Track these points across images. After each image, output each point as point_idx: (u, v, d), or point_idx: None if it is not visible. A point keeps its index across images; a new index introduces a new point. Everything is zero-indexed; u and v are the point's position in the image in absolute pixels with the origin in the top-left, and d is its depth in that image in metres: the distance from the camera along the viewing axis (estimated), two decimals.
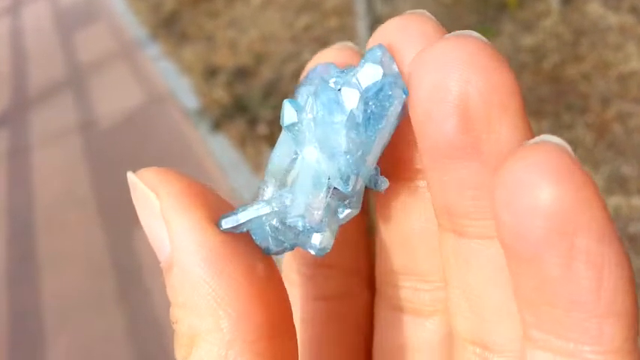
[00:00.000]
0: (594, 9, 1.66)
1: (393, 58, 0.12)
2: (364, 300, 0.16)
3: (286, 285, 0.13)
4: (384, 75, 0.12)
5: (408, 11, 0.13)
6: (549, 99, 1.42)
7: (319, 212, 0.12)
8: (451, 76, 0.11)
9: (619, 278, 0.10)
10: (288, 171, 0.13)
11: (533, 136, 0.11)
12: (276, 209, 0.13)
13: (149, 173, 0.13)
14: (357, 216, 0.13)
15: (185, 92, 1.98)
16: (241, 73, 1.96)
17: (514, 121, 0.11)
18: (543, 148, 0.10)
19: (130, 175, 0.13)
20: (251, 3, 2.41)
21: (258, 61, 1.99)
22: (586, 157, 1.24)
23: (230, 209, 0.13)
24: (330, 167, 0.12)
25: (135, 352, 1.15)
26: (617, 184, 1.16)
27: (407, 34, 0.13)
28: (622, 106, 1.34)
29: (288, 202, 0.12)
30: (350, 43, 0.15)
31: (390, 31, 0.13)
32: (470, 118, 0.11)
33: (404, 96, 0.12)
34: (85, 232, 1.46)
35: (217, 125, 1.75)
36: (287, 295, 0.13)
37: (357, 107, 0.12)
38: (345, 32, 1.95)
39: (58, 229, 1.50)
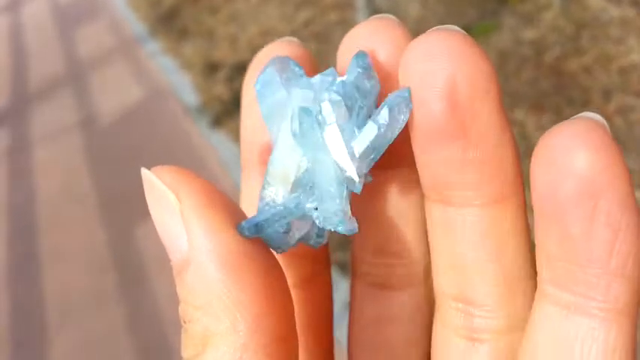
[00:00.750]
0: (595, 2, 1.65)
1: (372, 65, 0.13)
2: (326, 282, 0.17)
3: None
4: (396, 96, 0.13)
5: (376, 16, 0.14)
6: (550, 93, 1.41)
7: (349, 215, 0.13)
8: (440, 65, 0.12)
9: (632, 244, 0.11)
10: (296, 174, 0.13)
11: (507, 116, 0.13)
12: (295, 212, 0.13)
13: (167, 172, 0.13)
14: None
15: (185, 88, 1.98)
16: (241, 69, 1.95)
17: (493, 103, 0.12)
18: (584, 121, 0.11)
19: (145, 172, 0.13)
20: None
21: None
22: None
23: (241, 212, 0.13)
24: (347, 171, 0.13)
25: (136, 348, 1.15)
26: None
27: (377, 39, 0.14)
28: (623, 99, 1.33)
29: (310, 206, 0.13)
30: (295, 39, 0.16)
31: (361, 36, 0.14)
32: (457, 102, 0.12)
33: (410, 109, 0.13)
34: (86, 229, 1.46)
35: (217, 121, 1.75)
36: (291, 297, 0.13)
37: (368, 124, 0.13)
38: (345, 26, 1.94)
39: (59, 225, 1.51)
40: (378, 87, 0.13)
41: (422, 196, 0.15)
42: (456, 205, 0.13)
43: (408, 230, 0.15)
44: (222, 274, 0.12)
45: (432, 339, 0.15)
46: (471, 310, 0.14)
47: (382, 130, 0.13)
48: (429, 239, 0.14)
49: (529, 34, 1.63)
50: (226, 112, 1.75)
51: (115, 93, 2.07)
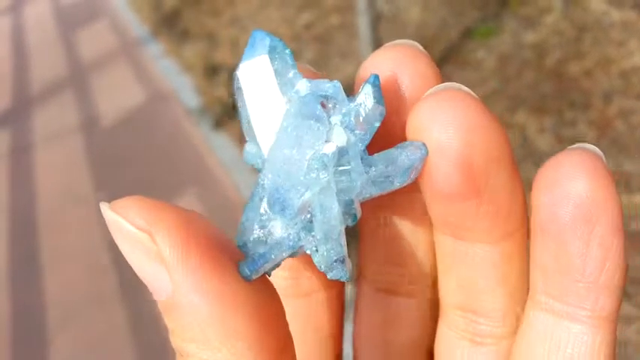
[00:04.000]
0: (597, 5, 1.65)
1: (381, 91, 0.13)
2: (340, 291, 0.17)
3: None
4: (415, 155, 0.13)
5: (399, 41, 0.14)
6: (552, 96, 1.41)
7: (348, 261, 0.13)
8: (456, 138, 0.13)
9: (619, 261, 0.12)
10: (297, 207, 0.13)
11: (519, 172, 0.14)
12: (294, 248, 0.13)
13: (134, 209, 0.12)
14: None
15: (186, 90, 1.98)
16: None
17: (506, 165, 0.13)
18: (582, 153, 0.12)
19: (108, 212, 0.12)
20: (252, 1, 2.41)
21: None
22: None
23: (221, 235, 0.13)
24: (346, 210, 0.13)
25: (137, 349, 1.15)
26: (620, 181, 1.15)
27: (400, 67, 0.14)
28: (624, 102, 1.33)
29: (310, 244, 0.13)
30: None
31: (383, 62, 0.14)
32: (472, 172, 0.13)
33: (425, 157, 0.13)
34: (87, 230, 1.46)
35: (219, 123, 1.75)
36: (284, 311, 0.14)
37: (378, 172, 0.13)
38: (346, 29, 1.94)
39: (60, 227, 1.51)
40: (384, 114, 0.14)
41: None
42: (467, 240, 0.14)
43: (419, 248, 0.16)
44: (217, 310, 0.12)
45: (437, 340, 0.16)
46: (478, 319, 0.15)
47: (397, 185, 0.13)
48: (437, 262, 0.15)
49: (530, 37, 1.63)
50: (227, 114, 1.75)
51: (116, 95, 2.07)
